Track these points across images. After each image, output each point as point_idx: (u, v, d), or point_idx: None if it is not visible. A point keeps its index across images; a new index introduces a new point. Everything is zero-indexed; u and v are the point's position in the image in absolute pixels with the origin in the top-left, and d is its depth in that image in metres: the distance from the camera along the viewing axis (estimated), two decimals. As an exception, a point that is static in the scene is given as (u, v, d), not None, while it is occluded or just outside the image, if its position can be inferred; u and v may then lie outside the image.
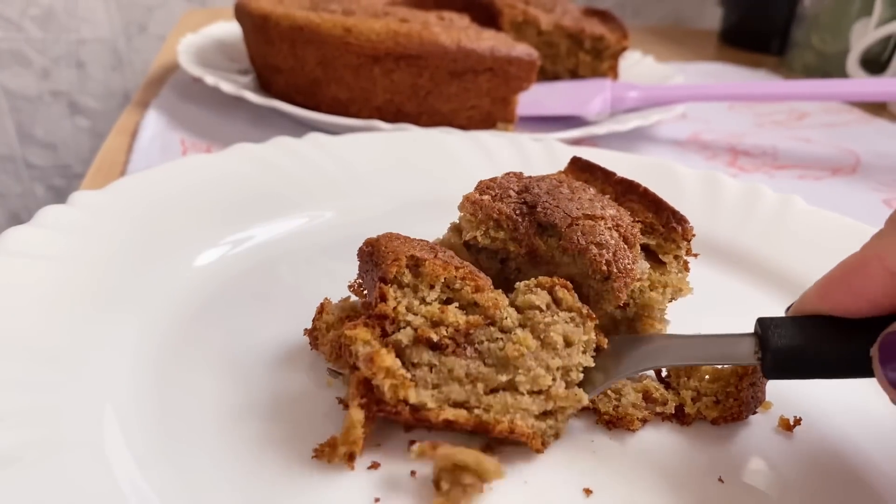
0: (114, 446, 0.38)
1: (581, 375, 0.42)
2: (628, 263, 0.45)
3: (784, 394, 0.47)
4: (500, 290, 0.43)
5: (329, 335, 0.45)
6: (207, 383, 0.45)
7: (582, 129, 0.90)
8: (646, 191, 0.51)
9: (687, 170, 0.74)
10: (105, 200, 0.57)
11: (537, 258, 0.47)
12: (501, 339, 0.41)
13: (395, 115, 0.89)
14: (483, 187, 0.50)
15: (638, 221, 0.49)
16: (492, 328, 0.42)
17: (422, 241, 0.46)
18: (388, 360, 0.38)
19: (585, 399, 0.41)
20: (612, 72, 1.09)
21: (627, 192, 0.52)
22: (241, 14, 0.96)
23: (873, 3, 1.21)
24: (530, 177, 0.52)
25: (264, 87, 0.99)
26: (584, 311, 0.43)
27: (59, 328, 0.44)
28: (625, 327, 0.48)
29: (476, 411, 0.39)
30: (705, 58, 1.54)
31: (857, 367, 0.38)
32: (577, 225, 0.46)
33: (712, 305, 0.51)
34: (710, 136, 1.07)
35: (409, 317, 0.41)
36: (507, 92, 0.90)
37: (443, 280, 0.42)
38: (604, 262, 0.44)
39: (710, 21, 1.91)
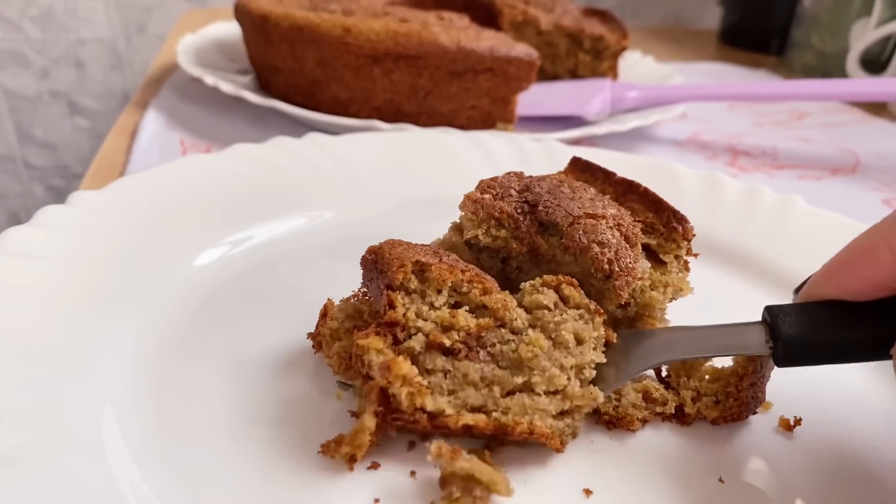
0: (113, 446, 0.38)
1: (594, 373, 0.42)
2: (630, 262, 0.45)
3: (784, 394, 0.47)
4: (507, 292, 0.43)
5: (335, 346, 0.44)
6: (208, 384, 0.45)
7: (581, 129, 0.90)
8: (646, 191, 0.51)
9: (687, 170, 0.73)
10: (104, 201, 0.57)
11: (539, 257, 0.47)
12: (513, 340, 0.41)
13: (394, 115, 0.89)
14: (484, 186, 0.50)
15: (638, 221, 0.49)
16: (502, 330, 0.42)
17: (424, 245, 0.46)
18: (405, 367, 0.38)
19: (601, 397, 0.41)
20: (612, 72, 1.09)
21: (628, 192, 0.52)
22: (241, 14, 0.96)
23: (873, 2, 1.21)
24: (531, 176, 0.52)
25: (264, 87, 0.99)
26: (592, 307, 0.43)
27: (59, 328, 0.44)
28: (625, 327, 0.48)
29: (494, 414, 0.39)
30: (705, 58, 1.54)
31: (868, 351, 0.38)
32: (578, 224, 0.46)
33: (712, 305, 0.50)
34: (709, 136, 1.07)
35: (420, 323, 0.40)
36: (507, 92, 0.90)
37: (450, 284, 0.42)
38: (605, 260, 0.44)
39: (710, 21, 1.92)
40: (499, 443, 0.41)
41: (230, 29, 1.15)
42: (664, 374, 0.48)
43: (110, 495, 0.35)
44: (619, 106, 1.01)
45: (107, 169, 0.80)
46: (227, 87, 0.90)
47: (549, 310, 0.42)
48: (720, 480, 0.41)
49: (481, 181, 0.50)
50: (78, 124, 1.83)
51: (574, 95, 1.01)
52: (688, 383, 0.46)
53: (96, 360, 0.44)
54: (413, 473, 0.39)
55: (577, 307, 0.43)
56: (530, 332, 0.41)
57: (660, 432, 0.44)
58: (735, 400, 0.44)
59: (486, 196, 0.48)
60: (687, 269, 0.49)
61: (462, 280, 0.42)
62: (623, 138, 0.98)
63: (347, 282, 0.49)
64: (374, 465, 0.40)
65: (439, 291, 0.42)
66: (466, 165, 0.73)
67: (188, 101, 0.99)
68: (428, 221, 0.55)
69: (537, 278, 0.44)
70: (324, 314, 0.46)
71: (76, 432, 0.38)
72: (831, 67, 1.32)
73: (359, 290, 0.47)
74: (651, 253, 0.49)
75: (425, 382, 0.39)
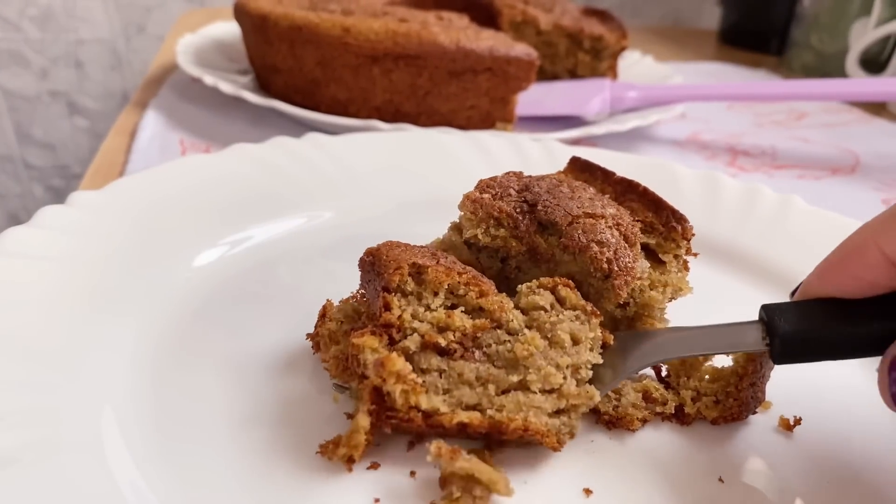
0: (112, 447, 0.38)
1: (590, 373, 0.42)
2: (629, 262, 0.45)
3: (784, 394, 0.47)
4: (504, 294, 0.43)
5: (332, 350, 0.44)
6: (207, 384, 0.45)
7: (581, 129, 0.90)
8: (645, 190, 0.51)
9: (686, 170, 0.73)
10: (104, 201, 0.57)
11: (538, 256, 0.47)
12: (509, 341, 0.41)
13: (394, 115, 0.89)
14: (483, 186, 0.50)
15: (638, 221, 0.49)
16: (499, 331, 0.42)
17: (422, 247, 0.46)
18: (399, 364, 0.38)
19: (598, 396, 0.41)
20: (612, 72, 1.09)
21: (627, 192, 0.52)
22: (240, 14, 0.96)
23: (872, 2, 1.21)
24: (530, 176, 0.52)
25: (263, 87, 0.99)
26: (589, 308, 0.43)
27: (58, 329, 0.44)
28: (624, 327, 0.48)
29: (489, 412, 0.39)
30: (704, 58, 1.54)
31: (863, 347, 0.39)
32: (577, 223, 0.46)
33: (712, 305, 0.50)
34: (709, 135, 1.07)
35: (415, 324, 0.41)
36: (506, 92, 0.90)
37: (446, 286, 0.42)
38: (605, 259, 0.44)
39: (710, 21, 1.92)
40: (499, 443, 0.41)
41: (230, 29, 1.15)
42: (664, 374, 0.48)
43: (109, 495, 0.35)
44: (619, 106, 1.01)
45: (106, 169, 0.80)
46: (226, 87, 0.90)
47: (546, 311, 0.43)
48: (720, 480, 0.41)
49: (480, 181, 0.50)
50: (77, 124, 1.83)
51: (573, 95, 1.01)
52: (688, 383, 0.46)
53: (95, 360, 0.43)
54: (413, 473, 0.39)
55: (574, 308, 0.43)
56: (526, 332, 0.41)
57: (660, 432, 0.44)
58: (735, 400, 0.44)
59: (486, 196, 0.48)
60: (686, 269, 0.49)
61: (459, 282, 0.42)
62: (622, 138, 0.98)
63: (346, 282, 0.49)
64: (374, 466, 0.40)
65: (436, 294, 0.42)
66: (466, 165, 0.73)
67: (187, 101, 0.99)
68: (427, 221, 0.55)
69: (534, 280, 0.44)
70: (323, 315, 0.46)
71: (75, 432, 0.38)
72: (831, 67, 1.32)
73: (357, 292, 0.47)
74: (650, 252, 0.49)
75: (420, 381, 0.39)
